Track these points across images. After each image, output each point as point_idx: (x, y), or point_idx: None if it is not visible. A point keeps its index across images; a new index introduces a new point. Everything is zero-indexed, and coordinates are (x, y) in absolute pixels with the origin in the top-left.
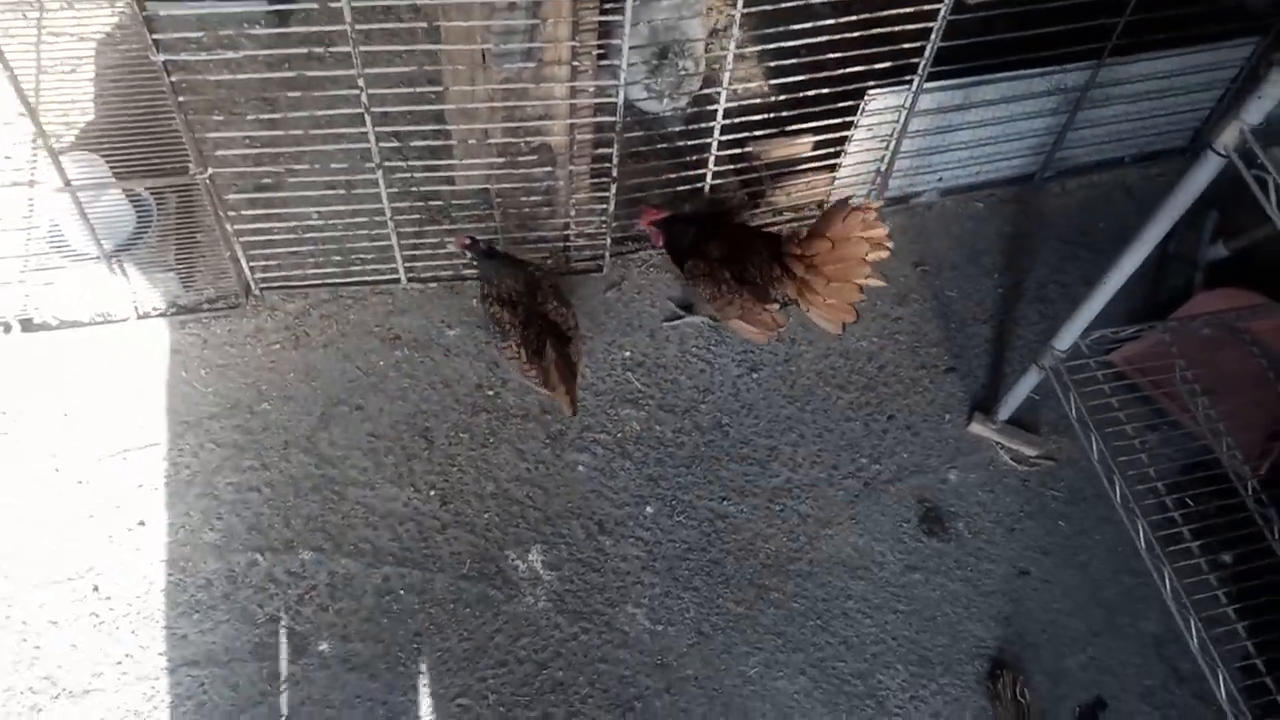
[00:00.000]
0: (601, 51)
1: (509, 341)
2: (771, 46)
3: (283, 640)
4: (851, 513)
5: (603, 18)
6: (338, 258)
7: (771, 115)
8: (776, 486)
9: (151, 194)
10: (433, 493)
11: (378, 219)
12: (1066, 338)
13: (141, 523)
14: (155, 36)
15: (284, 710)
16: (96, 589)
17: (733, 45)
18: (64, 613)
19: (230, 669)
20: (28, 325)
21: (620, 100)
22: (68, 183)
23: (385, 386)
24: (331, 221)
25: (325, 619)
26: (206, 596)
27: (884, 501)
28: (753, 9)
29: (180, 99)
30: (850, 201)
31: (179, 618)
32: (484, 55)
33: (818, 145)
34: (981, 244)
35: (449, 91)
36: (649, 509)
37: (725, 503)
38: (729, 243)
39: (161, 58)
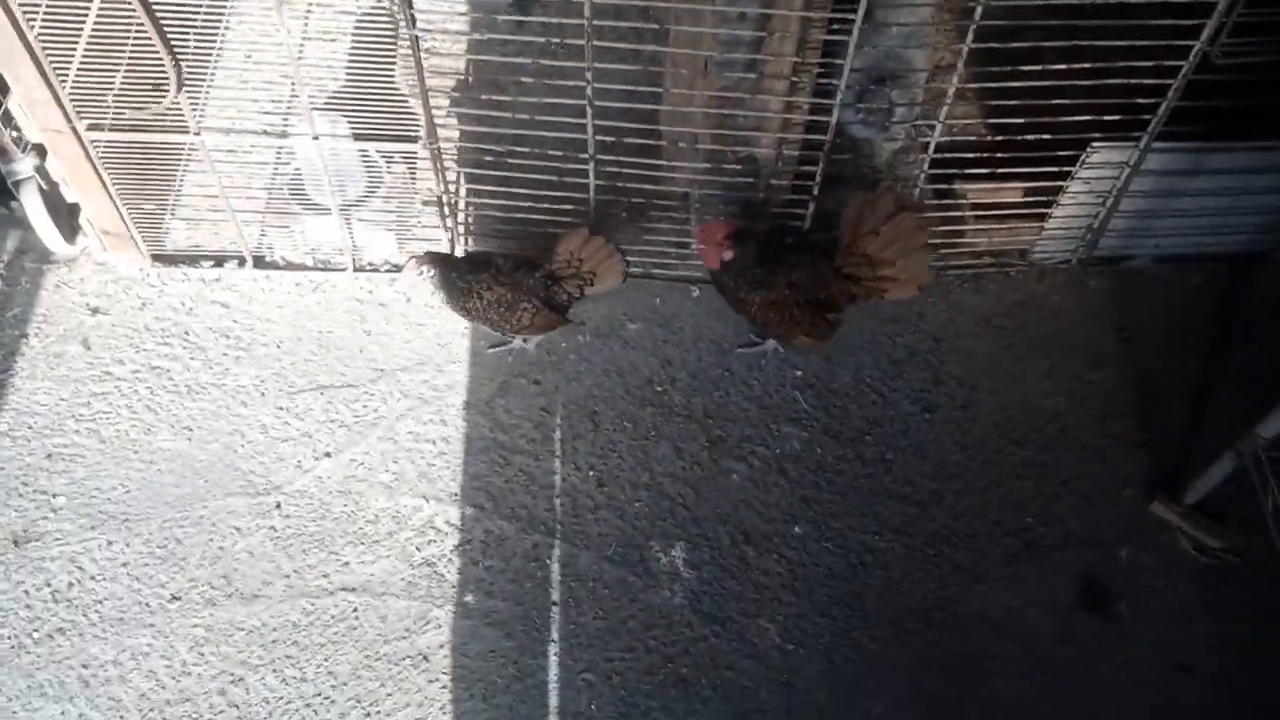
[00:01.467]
0: (821, 71)
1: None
2: (994, 85)
3: (433, 585)
4: (1008, 571)
5: (828, 37)
6: (541, 241)
7: (984, 156)
8: (933, 531)
9: (382, 157)
10: (591, 473)
11: (580, 209)
12: (1273, 425)
13: (327, 454)
14: (414, 11)
15: (424, 649)
16: (279, 506)
17: (955, 81)
18: (248, 523)
19: (383, 601)
20: (259, 262)
21: (833, 121)
22: (316, 136)
23: (563, 367)
24: (540, 205)
25: (474, 573)
26: (372, 530)
27: (1045, 567)
28: (980, 45)
29: (424, 73)
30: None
31: (345, 546)
32: (705, 62)
33: (1028, 193)
34: (1192, 318)
35: (667, 94)
36: (797, 529)
37: (877, 538)
38: (795, 268)
39: (415, 31)
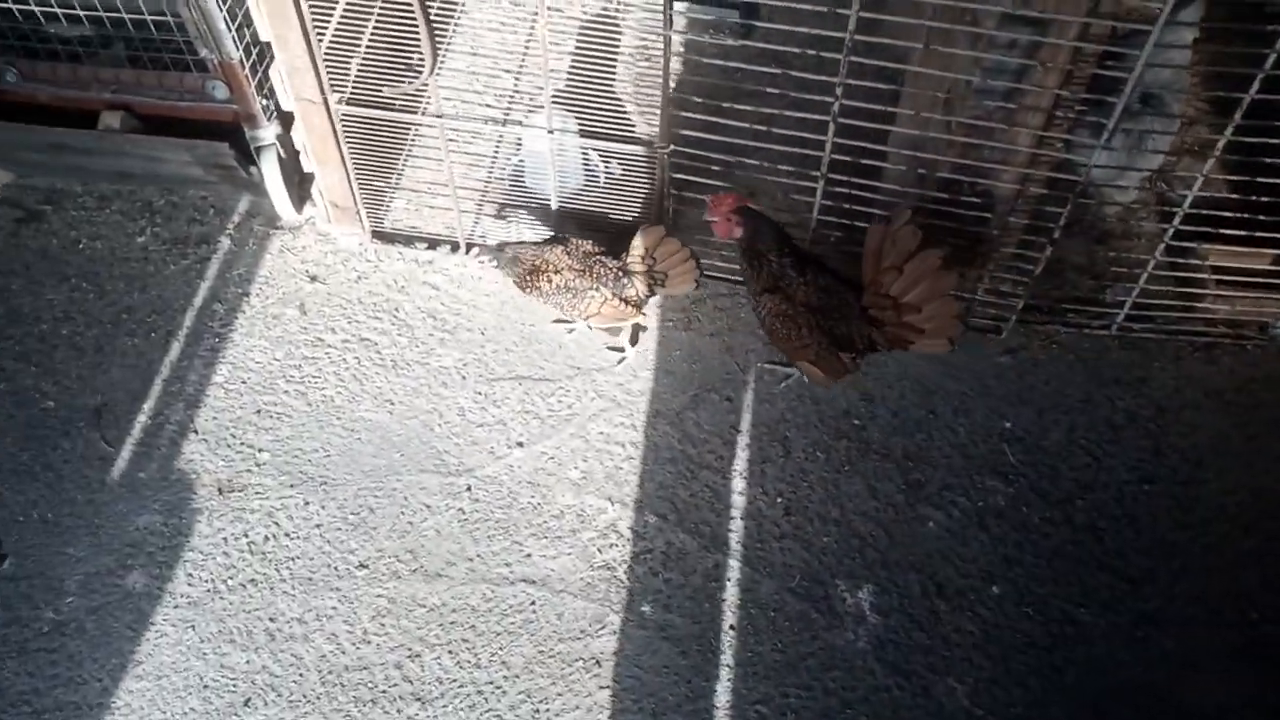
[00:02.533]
0: (1083, 109)
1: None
2: (1253, 140)
3: (611, 589)
4: (1225, 667)
5: (1098, 71)
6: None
7: (1233, 217)
8: (1144, 611)
9: (600, 157)
10: (779, 500)
11: (801, 231)
12: None
13: (520, 444)
14: (673, 12)
15: (597, 653)
16: (469, 489)
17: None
18: (438, 501)
19: (560, 598)
20: (471, 249)
21: (1091, 163)
22: (551, 130)
23: (757, 387)
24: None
25: (653, 584)
26: (556, 526)
27: (1268, 668)
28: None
29: (670, 78)
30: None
31: (529, 537)
32: (949, 90)
33: (1278, 260)
34: None
35: (908, 116)
36: (995, 589)
37: (1082, 609)
38: (819, 290)
39: (669, 32)
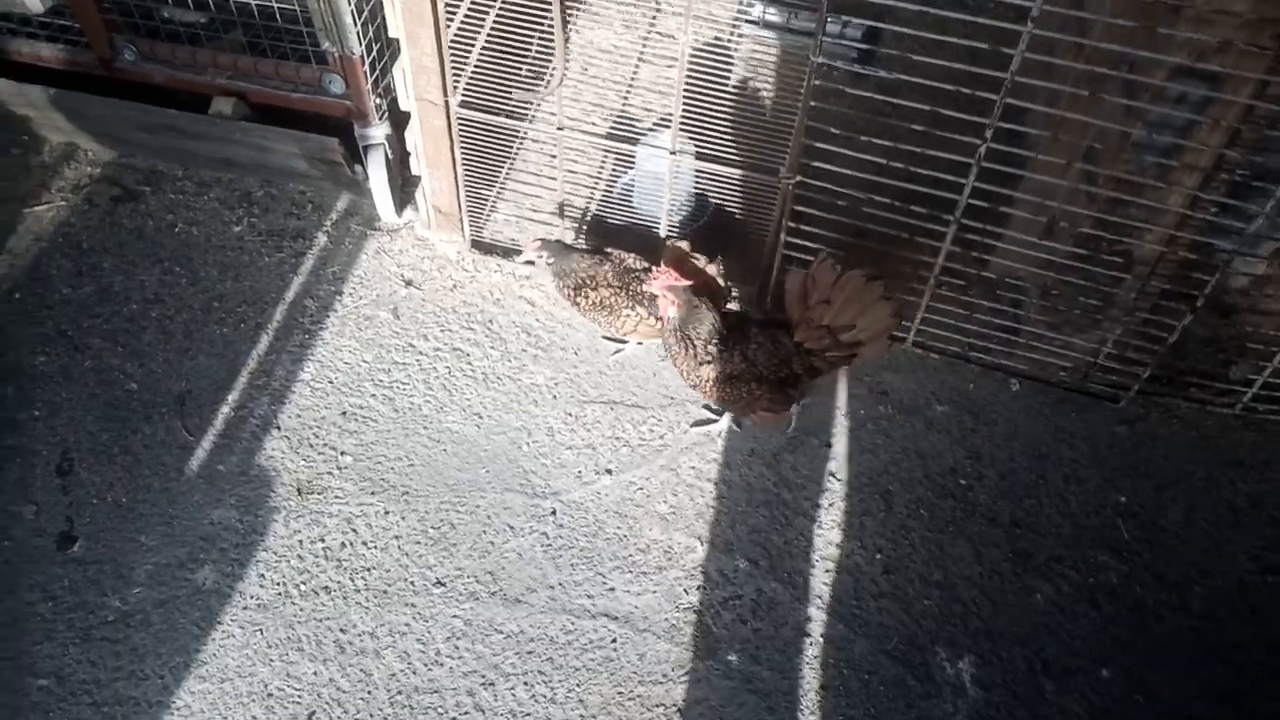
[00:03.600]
0: (1244, 172)
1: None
2: None
3: (697, 634)
4: None
5: (1270, 132)
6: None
7: None
8: (1270, 713)
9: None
10: (878, 556)
11: (921, 273)
12: None
13: (608, 470)
14: (823, 38)
15: (679, 700)
16: (554, 514)
17: None
18: (521, 523)
19: (642, 638)
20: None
21: (1253, 230)
22: (674, 151)
23: (859, 435)
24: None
25: (741, 632)
26: (641, 560)
27: None
28: None
29: (810, 108)
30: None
31: (613, 570)
32: (1098, 141)
33: None
34: None
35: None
36: (1105, 672)
37: (1199, 703)
38: (754, 351)
39: (819, 59)
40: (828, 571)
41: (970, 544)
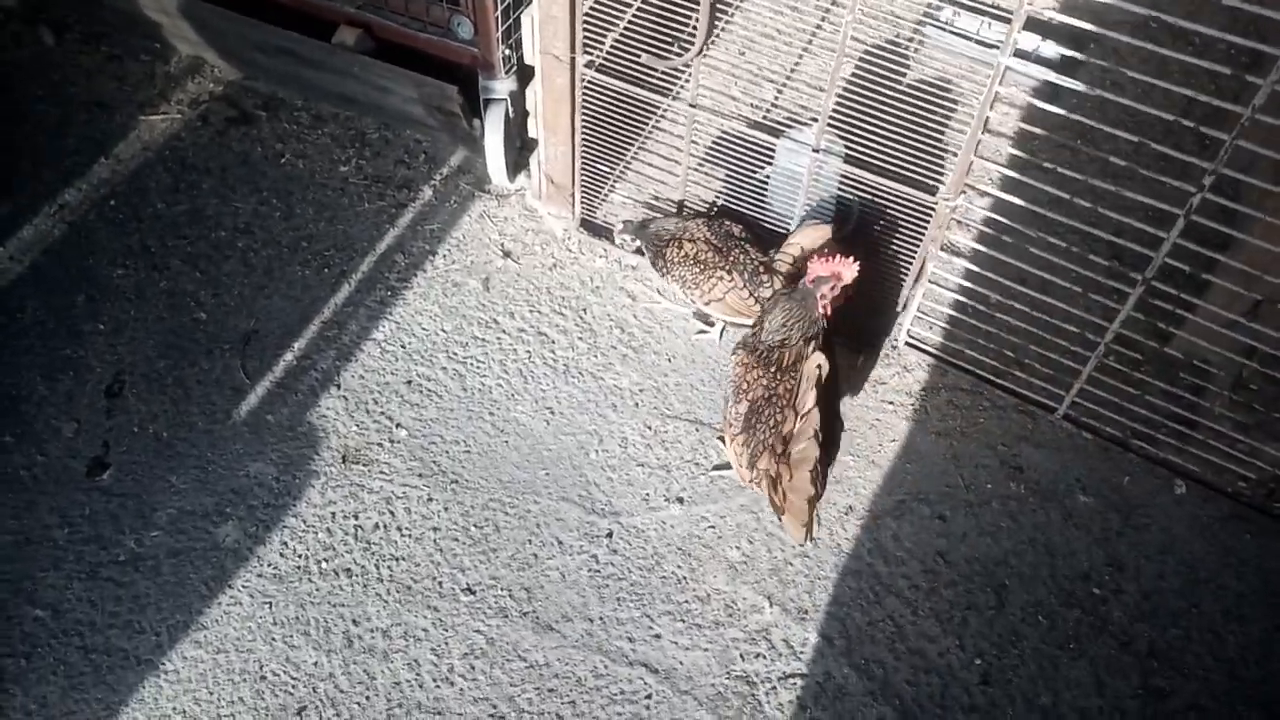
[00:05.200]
0: None
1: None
2: None
3: (745, 708)
4: None
5: None
6: (1007, 352)
7: None
8: None
9: (858, 200)
10: (977, 661)
11: (1089, 336)
12: None
13: (680, 499)
14: (1017, 36)
15: None
16: (610, 536)
17: None
18: (573, 540)
19: (683, 699)
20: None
21: None
22: (817, 149)
23: (980, 514)
24: (1033, 312)
25: (798, 718)
26: (698, 610)
27: None
28: None
29: (988, 114)
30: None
31: (662, 615)
32: None
33: None
34: None
35: (1256, 224)
36: None
37: None
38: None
39: (1007, 61)
40: (914, 668)
41: (1093, 668)
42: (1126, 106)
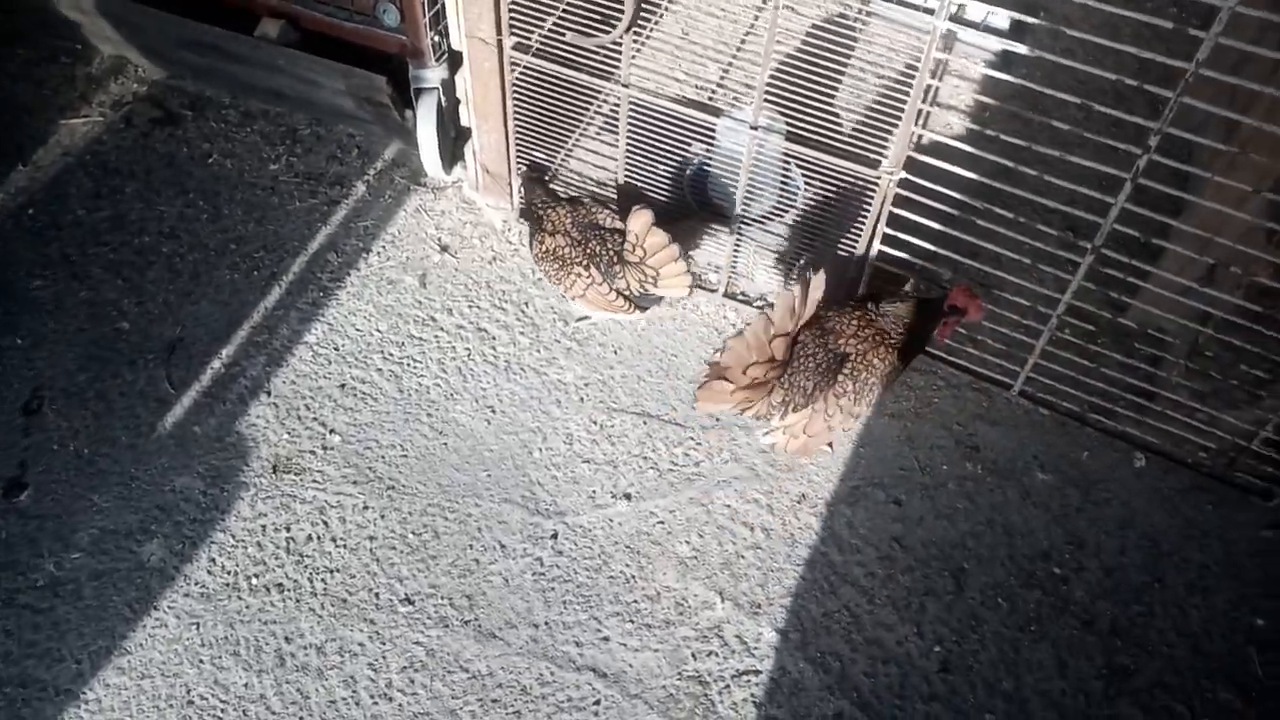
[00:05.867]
0: None
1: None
2: None
3: (698, 710)
4: None
5: None
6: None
7: None
8: None
9: (802, 175)
10: (936, 649)
11: (1041, 309)
12: None
13: (627, 495)
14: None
15: None
16: (555, 537)
17: None
18: (515, 543)
19: (633, 703)
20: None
21: None
22: (755, 126)
23: (936, 496)
24: (986, 287)
25: (753, 716)
26: (648, 610)
27: None
28: None
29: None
30: None
31: (610, 617)
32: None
33: None
34: None
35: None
36: None
37: None
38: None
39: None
40: (872, 659)
41: (1055, 650)
42: (1077, 71)
